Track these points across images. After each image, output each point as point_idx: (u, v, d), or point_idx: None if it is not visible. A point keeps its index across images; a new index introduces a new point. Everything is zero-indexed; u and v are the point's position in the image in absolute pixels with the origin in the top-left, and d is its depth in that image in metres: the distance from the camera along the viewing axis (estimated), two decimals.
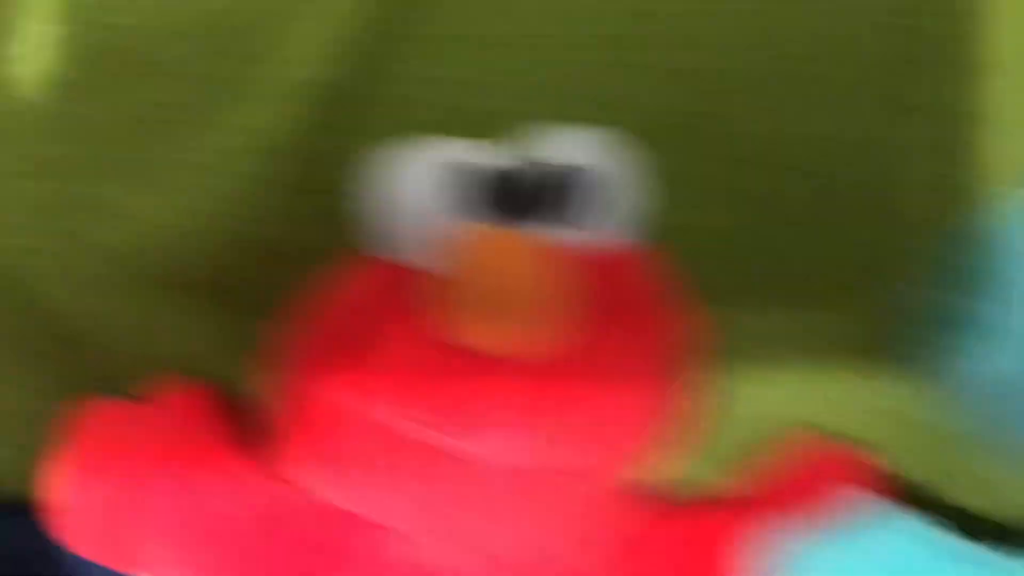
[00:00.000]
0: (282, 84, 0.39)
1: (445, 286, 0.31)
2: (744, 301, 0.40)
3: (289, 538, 0.35)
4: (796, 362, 0.40)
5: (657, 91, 0.39)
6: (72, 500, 0.39)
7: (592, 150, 0.34)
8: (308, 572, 0.35)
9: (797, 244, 0.40)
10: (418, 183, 0.32)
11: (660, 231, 0.36)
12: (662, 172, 0.39)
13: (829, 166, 0.40)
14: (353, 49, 0.39)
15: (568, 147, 0.34)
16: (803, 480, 0.38)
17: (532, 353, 0.31)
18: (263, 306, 0.40)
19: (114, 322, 0.40)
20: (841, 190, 0.40)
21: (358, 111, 0.39)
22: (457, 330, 0.31)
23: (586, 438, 0.31)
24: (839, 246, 0.40)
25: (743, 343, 0.40)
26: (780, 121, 0.39)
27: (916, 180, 0.40)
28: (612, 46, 0.39)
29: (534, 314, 0.30)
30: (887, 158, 0.40)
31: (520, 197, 0.33)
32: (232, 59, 0.39)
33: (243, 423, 0.39)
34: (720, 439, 0.40)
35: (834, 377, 0.40)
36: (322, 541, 0.35)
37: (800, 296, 0.40)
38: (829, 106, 0.39)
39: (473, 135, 0.39)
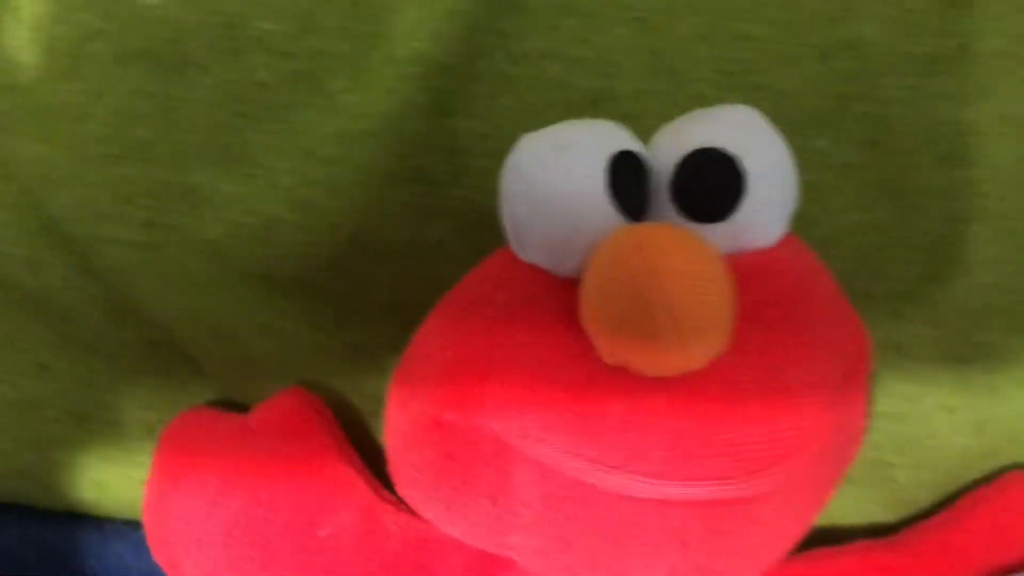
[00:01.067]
0: (395, 63, 0.35)
1: (600, 296, 0.26)
2: (881, 305, 0.35)
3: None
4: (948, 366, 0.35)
5: (795, 68, 0.35)
6: (156, 522, 0.35)
7: (752, 133, 0.29)
8: None
9: (936, 237, 0.35)
10: (575, 175, 0.27)
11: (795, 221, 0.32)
12: (798, 155, 0.35)
13: (983, 154, 0.35)
14: (461, 23, 0.35)
15: (722, 132, 0.29)
16: (996, 518, 0.33)
17: (691, 370, 0.27)
18: (373, 304, 0.36)
19: (207, 322, 0.36)
20: (995, 178, 0.35)
21: (468, 91, 0.35)
22: (611, 348, 0.26)
23: (744, 463, 0.27)
24: (988, 244, 0.35)
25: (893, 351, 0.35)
26: (930, 107, 0.35)
27: None
28: (735, 18, 0.35)
29: (707, 326, 0.26)
30: None
31: (698, 191, 0.28)
32: (343, 35, 0.35)
33: (354, 438, 0.36)
34: (899, 466, 0.35)
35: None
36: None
37: (942, 299, 0.35)
38: (975, 92, 0.34)
39: (589, 115, 0.35)
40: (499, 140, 0.35)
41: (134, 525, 0.39)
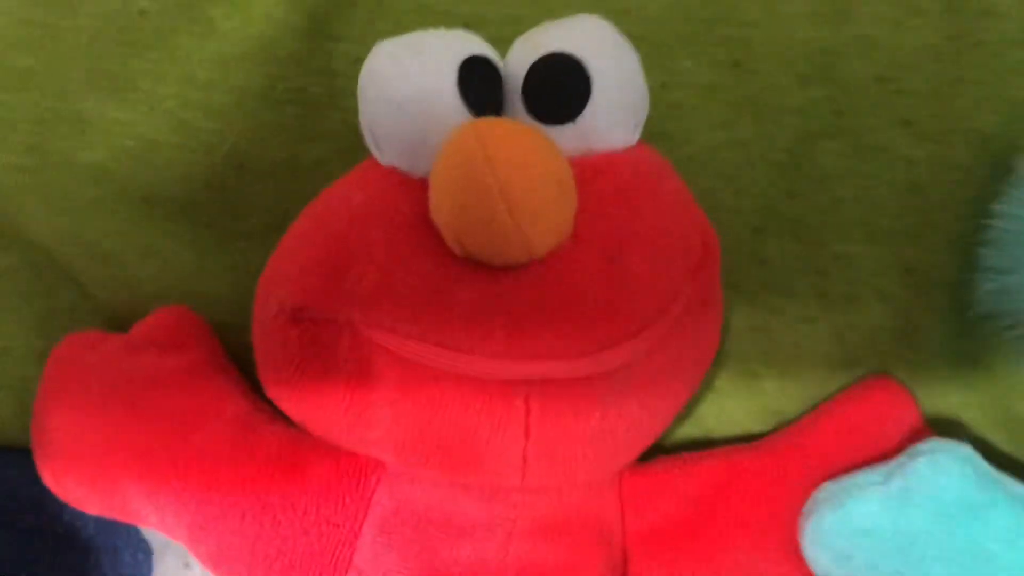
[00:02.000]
0: None
1: (443, 186, 0.27)
2: (745, 219, 0.37)
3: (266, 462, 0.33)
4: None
5: None
6: (42, 437, 0.36)
7: (599, 40, 0.30)
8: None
9: (796, 154, 0.36)
10: (427, 76, 0.29)
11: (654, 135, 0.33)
12: (663, 76, 0.35)
13: (839, 74, 0.36)
14: None
15: (571, 39, 0.30)
16: (852, 418, 0.35)
17: (533, 258, 0.28)
18: (255, 225, 0.37)
19: (89, 244, 0.37)
20: (851, 96, 0.36)
21: (345, 16, 0.36)
22: (456, 237, 0.27)
23: (582, 342, 0.28)
24: (843, 159, 0.36)
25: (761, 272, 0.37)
26: (789, 29, 0.36)
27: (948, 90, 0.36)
28: None
29: (543, 213, 0.27)
30: (897, 60, 0.36)
31: (546, 93, 0.29)
32: None
33: (235, 358, 0.37)
34: (766, 377, 0.36)
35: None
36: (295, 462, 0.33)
37: (802, 213, 0.36)
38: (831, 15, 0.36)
39: None
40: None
41: (25, 452, 0.40)
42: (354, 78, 0.36)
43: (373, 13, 0.36)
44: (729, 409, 0.37)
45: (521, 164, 0.27)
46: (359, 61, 0.36)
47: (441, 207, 0.27)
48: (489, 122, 0.27)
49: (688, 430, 0.38)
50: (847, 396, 0.36)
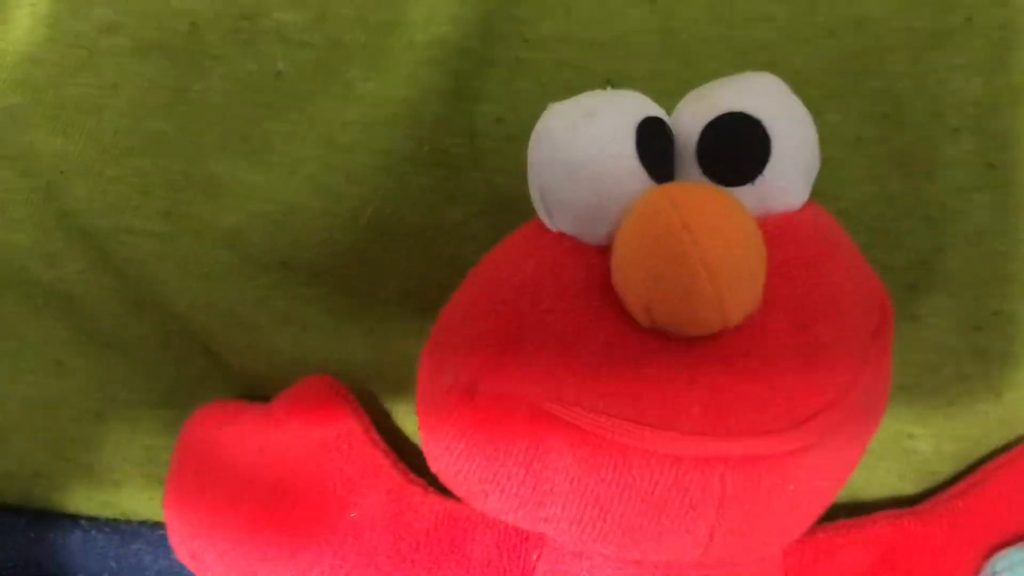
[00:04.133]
0: (415, 49, 0.35)
1: (635, 255, 0.26)
2: (897, 276, 0.36)
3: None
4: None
5: (806, 46, 0.35)
6: (179, 514, 0.35)
7: (775, 98, 0.29)
8: None
9: (948, 207, 0.35)
10: (604, 140, 0.27)
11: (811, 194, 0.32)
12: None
13: (992, 125, 0.35)
14: (477, 7, 0.35)
15: (746, 97, 0.29)
16: (1018, 481, 0.34)
17: (726, 327, 0.27)
18: (393, 290, 0.36)
19: (225, 311, 0.36)
20: (1004, 149, 0.35)
21: (485, 75, 0.36)
22: (647, 307, 0.26)
23: (783, 416, 0.27)
24: (998, 213, 0.35)
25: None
26: (939, 80, 0.35)
27: None
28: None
29: (742, 281, 0.26)
30: None
31: (725, 154, 0.28)
32: (359, 25, 0.35)
33: (376, 425, 0.36)
34: (920, 437, 0.35)
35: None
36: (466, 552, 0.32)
37: (956, 268, 0.35)
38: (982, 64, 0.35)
39: None
40: (516, 123, 0.36)
41: (150, 524, 0.39)
42: (495, 138, 0.36)
43: (512, 72, 0.36)
44: (880, 471, 0.36)
45: (720, 230, 0.26)
46: (500, 120, 0.36)
47: (631, 276, 0.26)
48: (682, 187, 0.27)
49: None
50: (1011, 458, 0.35)
